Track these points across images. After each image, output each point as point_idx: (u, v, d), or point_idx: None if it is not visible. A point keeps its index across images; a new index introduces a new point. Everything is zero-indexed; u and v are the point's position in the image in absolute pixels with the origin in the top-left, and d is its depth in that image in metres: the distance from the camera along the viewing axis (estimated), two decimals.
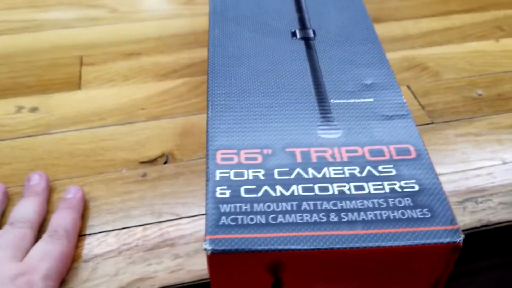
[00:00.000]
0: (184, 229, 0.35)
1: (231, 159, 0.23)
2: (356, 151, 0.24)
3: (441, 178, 0.37)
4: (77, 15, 0.58)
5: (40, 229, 0.33)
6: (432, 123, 0.43)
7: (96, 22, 0.57)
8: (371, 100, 0.27)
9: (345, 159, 0.24)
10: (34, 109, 0.45)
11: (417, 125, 0.43)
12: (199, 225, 0.35)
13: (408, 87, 0.47)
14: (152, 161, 0.40)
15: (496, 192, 0.37)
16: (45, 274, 0.28)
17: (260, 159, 0.23)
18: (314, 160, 0.23)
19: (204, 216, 0.36)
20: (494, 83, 0.48)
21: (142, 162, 0.40)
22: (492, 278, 0.49)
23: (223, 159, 0.23)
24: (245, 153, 0.24)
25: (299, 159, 0.23)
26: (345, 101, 0.27)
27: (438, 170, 0.38)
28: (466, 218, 0.35)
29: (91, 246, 0.33)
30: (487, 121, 0.43)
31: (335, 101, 0.27)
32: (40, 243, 0.31)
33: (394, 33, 0.55)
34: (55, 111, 0.45)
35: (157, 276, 0.32)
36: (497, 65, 0.50)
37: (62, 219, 0.33)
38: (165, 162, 0.40)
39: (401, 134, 0.25)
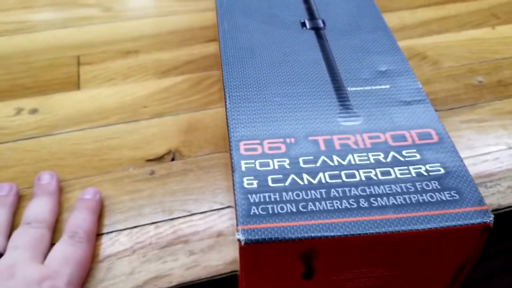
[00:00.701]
0: (197, 225, 0.34)
1: (255, 149, 0.23)
2: (378, 137, 0.24)
3: None
4: (70, 15, 0.57)
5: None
6: (436, 111, 0.44)
7: (90, 21, 0.56)
8: (388, 86, 0.27)
9: (369, 146, 0.23)
10: (34, 111, 0.44)
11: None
12: (212, 220, 0.35)
13: None
14: (159, 159, 0.39)
15: (504, 177, 0.38)
16: (68, 280, 0.28)
17: (284, 149, 0.23)
18: (337, 147, 0.23)
19: (216, 212, 0.35)
20: (494, 69, 0.48)
21: (149, 160, 0.39)
22: (495, 264, 0.50)
23: (246, 149, 0.23)
24: (268, 143, 0.23)
25: (322, 147, 0.23)
26: (361, 88, 0.27)
27: None
28: None
29: (105, 246, 0.33)
30: (489, 107, 0.44)
31: (351, 89, 0.27)
32: (60, 245, 0.30)
33: (392, 24, 0.55)
34: (56, 111, 0.44)
35: (173, 273, 0.32)
36: (495, 52, 0.50)
37: (82, 220, 0.32)
38: (173, 159, 0.39)
39: (421, 119, 0.25)
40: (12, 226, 0.34)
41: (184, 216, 0.35)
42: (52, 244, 0.31)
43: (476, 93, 0.46)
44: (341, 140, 0.24)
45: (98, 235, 0.33)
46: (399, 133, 0.24)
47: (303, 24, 0.32)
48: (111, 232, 0.34)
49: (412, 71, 0.29)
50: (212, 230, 0.34)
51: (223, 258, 0.32)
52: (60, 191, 0.36)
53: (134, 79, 0.48)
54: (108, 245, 0.33)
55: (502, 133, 0.41)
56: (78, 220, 0.32)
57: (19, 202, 0.36)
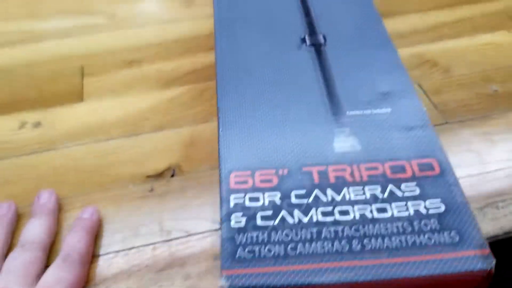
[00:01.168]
0: (194, 247, 0.34)
1: (246, 182, 0.22)
2: (376, 168, 0.23)
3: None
4: (75, 23, 0.56)
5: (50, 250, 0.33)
6: (446, 123, 0.42)
7: (94, 30, 0.55)
8: (389, 110, 0.26)
9: (365, 178, 0.22)
10: (37, 124, 0.44)
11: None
12: (209, 242, 0.34)
13: (420, 85, 0.46)
14: (159, 175, 0.39)
15: None
16: None
17: (275, 181, 0.22)
18: (332, 180, 0.22)
19: (214, 232, 0.35)
20: (509, 77, 0.46)
21: (149, 176, 0.39)
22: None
23: (237, 182, 0.22)
24: (260, 175, 0.22)
25: (316, 179, 0.22)
26: (361, 112, 0.26)
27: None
28: (487, 225, 0.34)
29: (101, 268, 0.32)
30: (504, 119, 0.42)
31: (351, 113, 0.26)
32: (53, 268, 0.30)
33: (401, 29, 0.53)
34: (58, 125, 0.43)
35: None
36: (511, 58, 0.48)
37: (77, 241, 0.32)
38: (172, 175, 0.39)
39: (424, 147, 0.24)
40: (11, 246, 0.34)
41: (181, 237, 0.34)
42: (47, 265, 0.31)
43: (490, 103, 0.44)
44: (336, 172, 0.23)
45: (95, 256, 0.33)
46: (398, 164, 0.23)
47: (303, 40, 0.31)
48: (108, 253, 0.33)
49: (416, 93, 0.27)
50: (210, 252, 0.33)
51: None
52: (60, 209, 0.36)
53: (137, 90, 0.47)
54: (105, 267, 0.32)
55: None
56: (73, 241, 0.32)
57: (19, 220, 0.36)
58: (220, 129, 0.25)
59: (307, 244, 0.20)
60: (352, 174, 0.22)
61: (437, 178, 0.22)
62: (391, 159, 0.23)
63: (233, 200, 0.21)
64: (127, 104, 0.46)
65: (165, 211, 0.36)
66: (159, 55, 0.51)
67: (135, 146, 0.41)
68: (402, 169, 0.23)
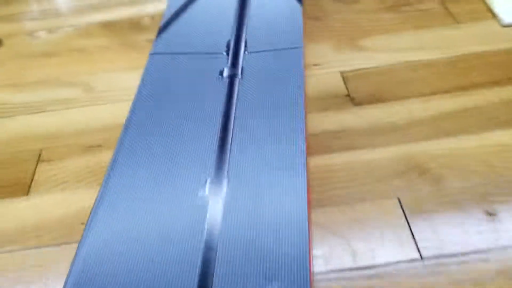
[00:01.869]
0: None
1: None
2: None
3: None
4: (50, 96, 0.54)
5: None
6: (422, 258, 0.34)
7: (66, 105, 0.53)
8: None
9: None
10: None
11: (402, 261, 0.34)
12: None
13: (399, 200, 0.38)
14: None
15: None
16: None
17: None
18: None
19: None
20: None
21: None
22: None
23: None
24: None
25: None
26: None
27: None
28: None
29: None
30: (494, 259, 0.33)
31: None
32: None
33: (394, 118, 0.46)
34: None
35: None
36: None
37: None
38: None
39: None
40: None
41: None
42: None
43: (483, 235, 0.35)
44: None
45: None
46: None
47: (204, 183, 0.25)
48: None
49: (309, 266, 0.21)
50: None
51: None
52: None
53: (86, 182, 0.44)
54: None
55: None
56: None
57: None
58: None
59: None
60: None
61: None
62: None
63: None
64: (70, 202, 0.42)
65: None
66: None
67: (61, 259, 0.37)
68: None
